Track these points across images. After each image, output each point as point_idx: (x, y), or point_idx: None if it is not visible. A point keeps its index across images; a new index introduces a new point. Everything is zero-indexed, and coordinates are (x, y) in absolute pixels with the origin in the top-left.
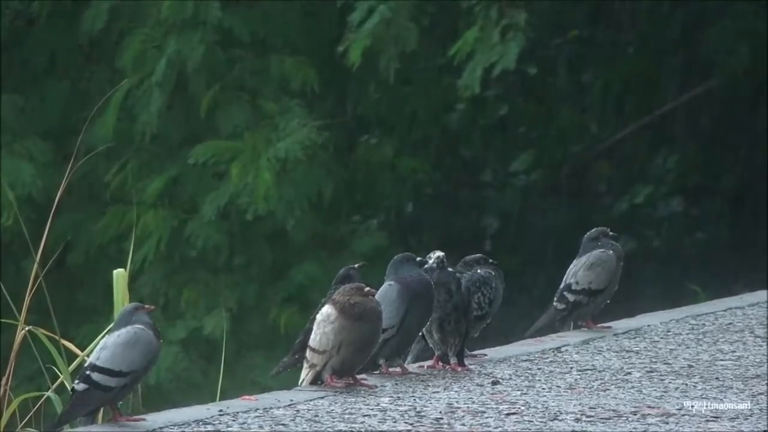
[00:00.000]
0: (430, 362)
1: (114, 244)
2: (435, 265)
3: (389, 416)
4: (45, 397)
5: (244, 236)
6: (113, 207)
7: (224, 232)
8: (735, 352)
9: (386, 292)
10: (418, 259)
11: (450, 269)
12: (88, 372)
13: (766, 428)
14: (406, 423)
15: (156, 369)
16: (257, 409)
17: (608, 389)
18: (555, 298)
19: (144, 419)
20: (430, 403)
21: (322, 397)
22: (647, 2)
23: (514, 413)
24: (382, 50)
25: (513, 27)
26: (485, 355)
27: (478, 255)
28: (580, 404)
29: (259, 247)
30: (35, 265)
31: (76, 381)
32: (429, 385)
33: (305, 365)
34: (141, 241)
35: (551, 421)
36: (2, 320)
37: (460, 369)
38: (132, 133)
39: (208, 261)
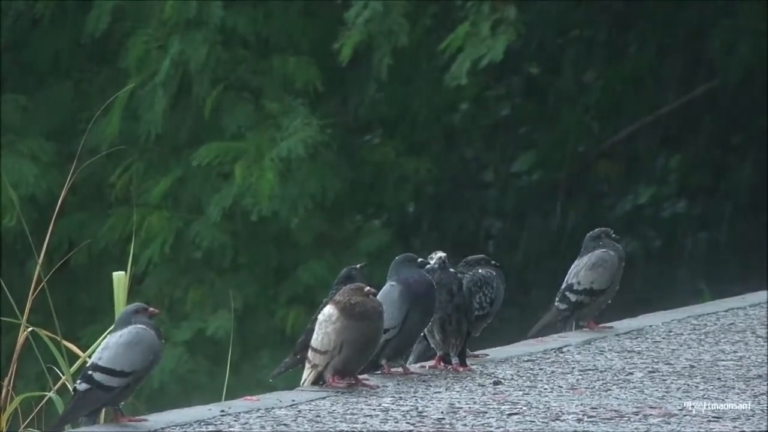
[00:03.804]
0: (431, 362)
1: (119, 245)
2: (436, 265)
3: (391, 416)
4: (47, 397)
5: (249, 236)
6: (118, 209)
7: (229, 232)
8: (737, 352)
9: (388, 293)
10: (420, 259)
11: (451, 270)
12: (90, 372)
13: (767, 429)
14: (407, 423)
15: (160, 371)
16: (259, 409)
17: (610, 389)
18: (557, 299)
19: (146, 420)
20: (432, 404)
21: (324, 398)
22: (650, 2)
23: (515, 413)
24: (375, 45)
25: (503, 21)
26: (487, 355)
27: (479, 255)
28: (581, 404)
29: (264, 247)
30: (38, 266)
31: (78, 381)
32: (431, 386)
33: (307, 365)
34: (146, 243)
35: (553, 421)
36: (5, 321)
37: (461, 369)
38: (136, 134)
39: (213, 262)
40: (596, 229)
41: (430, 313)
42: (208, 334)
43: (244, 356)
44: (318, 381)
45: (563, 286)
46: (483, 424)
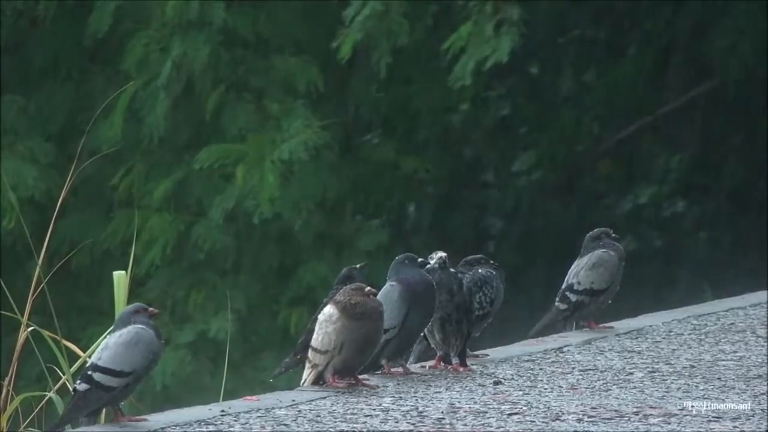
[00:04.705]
0: (431, 362)
1: (120, 247)
2: (437, 265)
3: (391, 416)
4: (47, 398)
5: (250, 238)
6: (120, 211)
7: (231, 234)
8: (737, 352)
9: (388, 293)
10: (420, 259)
11: (451, 269)
12: (89, 372)
13: (767, 429)
14: (408, 423)
15: (163, 373)
16: (259, 409)
17: (610, 389)
18: (557, 299)
19: (146, 419)
20: (432, 404)
21: (324, 398)
22: (650, 2)
23: (516, 413)
24: (374, 44)
25: (507, 22)
26: (487, 355)
27: (478, 255)
28: (582, 404)
29: (266, 249)
30: (38, 268)
31: (78, 381)
32: (431, 386)
33: (307, 365)
34: (148, 245)
35: (553, 421)
36: (6, 321)
37: (461, 369)
38: (138, 135)
39: (215, 263)
40: (596, 229)
41: (431, 313)
42: (211, 335)
43: (247, 357)
44: (318, 381)
45: (563, 286)
46: (483, 424)
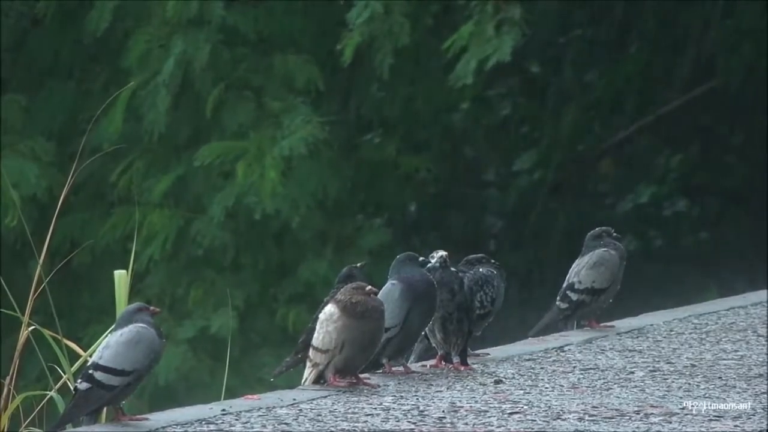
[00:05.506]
0: (432, 361)
1: (120, 244)
2: (438, 264)
3: (392, 415)
4: (48, 397)
5: (250, 235)
6: (120, 207)
7: (230, 230)
8: (738, 351)
9: (389, 292)
10: (421, 258)
11: (452, 269)
12: (91, 371)
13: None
14: (409, 422)
15: (165, 369)
16: (260, 408)
17: (611, 388)
18: (558, 298)
19: (147, 419)
20: (433, 403)
21: (325, 397)
22: (651, 2)
23: (516, 412)
24: (376, 46)
25: (508, 21)
26: (488, 354)
27: (479, 254)
28: (582, 403)
29: (265, 246)
30: (39, 267)
31: (79, 380)
32: (432, 385)
33: (308, 364)
34: (148, 241)
35: (554, 420)
36: (6, 320)
37: (462, 368)
38: (138, 132)
39: (214, 260)
40: (597, 229)
41: (431, 312)
42: (212, 332)
43: (246, 354)
44: (319, 380)
45: (564, 285)
46: (484, 423)
